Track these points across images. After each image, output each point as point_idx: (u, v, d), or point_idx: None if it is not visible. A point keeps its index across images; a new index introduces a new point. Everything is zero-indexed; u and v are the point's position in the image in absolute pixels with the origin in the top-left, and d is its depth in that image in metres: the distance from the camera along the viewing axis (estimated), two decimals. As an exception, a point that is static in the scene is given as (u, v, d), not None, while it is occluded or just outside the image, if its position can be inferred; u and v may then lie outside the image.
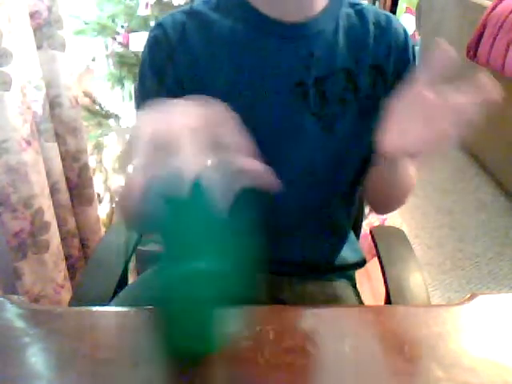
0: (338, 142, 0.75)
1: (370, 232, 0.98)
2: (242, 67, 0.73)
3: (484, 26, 2.37)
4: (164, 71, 0.74)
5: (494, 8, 2.34)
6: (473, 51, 2.46)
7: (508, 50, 2.15)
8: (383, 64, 0.75)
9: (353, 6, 0.76)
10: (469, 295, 0.63)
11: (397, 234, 0.97)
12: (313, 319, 0.48)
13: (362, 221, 1.07)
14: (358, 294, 0.90)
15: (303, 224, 0.81)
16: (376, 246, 0.93)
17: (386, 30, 0.75)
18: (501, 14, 2.26)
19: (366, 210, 1.14)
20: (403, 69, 0.76)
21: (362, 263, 0.93)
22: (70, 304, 0.80)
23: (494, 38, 2.27)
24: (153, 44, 0.75)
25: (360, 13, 0.76)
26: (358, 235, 1.03)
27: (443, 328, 0.58)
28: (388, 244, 0.93)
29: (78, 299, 0.80)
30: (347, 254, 0.91)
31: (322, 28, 0.73)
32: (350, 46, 0.74)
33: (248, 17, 0.73)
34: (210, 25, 0.74)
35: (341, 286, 0.89)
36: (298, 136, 0.74)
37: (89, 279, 0.86)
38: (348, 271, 0.93)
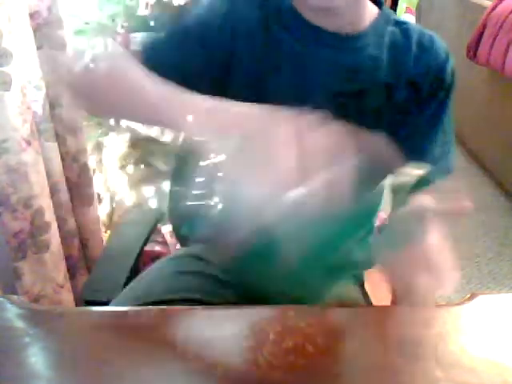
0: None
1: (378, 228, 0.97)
2: (285, 72, 0.74)
3: (484, 26, 2.37)
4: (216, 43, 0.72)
5: (493, 8, 2.34)
6: (473, 51, 2.46)
7: (508, 50, 2.15)
8: (420, 82, 0.76)
9: (399, 24, 0.78)
10: (469, 295, 0.63)
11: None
12: (313, 319, 0.48)
13: None
14: (365, 293, 0.90)
15: None
16: None
17: (427, 49, 0.77)
18: (501, 14, 2.26)
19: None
20: (438, 88, 0.77)
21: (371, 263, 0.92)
22: (82, 295, 0.81)
23: (494, 38, 2.27)
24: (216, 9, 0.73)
25: (405, 32, 0.77)
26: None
27: (443, 328, 0.58)
28: None
29: (89, 290, 0.82)
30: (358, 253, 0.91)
31: (367, 42, 0.75)
32: (391, 62, 0.76)
33: (294, 24, 0.74)
34: (268, 7, 0.74)
35: (348, 285, 0.87)
36: None
37: (100, 271, 0.88)
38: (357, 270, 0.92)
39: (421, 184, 0.51)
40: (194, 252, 0.89)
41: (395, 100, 0.76)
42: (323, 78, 0.74)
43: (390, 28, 0.77)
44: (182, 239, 1.03)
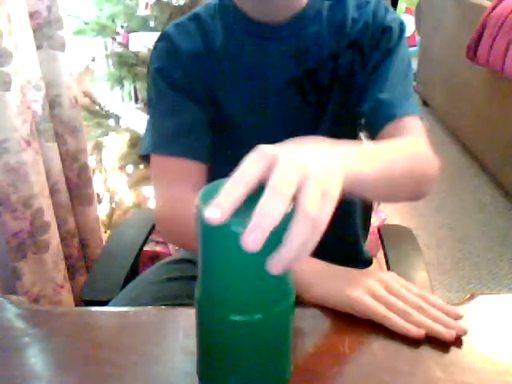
0: (333, 123, 0.79)
1: (378, 230, 0.97)
2: (238, 72, 0.78)
3: (484, 27, 2.37)
4: (180, 83, 0.78)
5: (493, 8, 2.34)
6: (472, 51, 2.46)
7: (508, 50, 2.15)
8: (359, 39, 0.77)
9: None
10: (469, 295, 0.63)
11: (405, 233, 0.97)
12: (313, 319, 0.48)
13: (370, 221, 1.06)
14: None
15: None
16: (383, 244, 0.92)
17: (363, 8, 0.78)
18: (500, 15, 2.26)
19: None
20: (379, 38, 0.77)
21: (369, 262, 0.93)
22: (81, 295, 0.81)
23: (494, 39, 2.27)
24: (163, 55, 0.79)
25: (342, 1, 0.79)
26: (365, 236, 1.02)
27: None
28: (395, 243, 0.92)
29: (89, 290, 0.83)
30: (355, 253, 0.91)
31: (307, 22, 0.77)
32: (331, 33, 0.78)
33: (237, 21, 0.78)
34: (209, 32, 0.79)
35: None
36: (299, 127, 0.78)
37: (100, 271, 0.88)
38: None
39: None
40: (189, 256, 0.89)
41: (341, 65, 0.77)
42: (274, 69, 0.77)
43: (327, 2, 0.79)
44: None
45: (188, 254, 0.91)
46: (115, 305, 0.79)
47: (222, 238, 0.41)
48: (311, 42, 0.77)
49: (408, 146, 0.69)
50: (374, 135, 0.76)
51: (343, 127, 0.81)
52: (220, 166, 0.75)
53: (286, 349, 0.48)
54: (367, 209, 0.94)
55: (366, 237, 0.96)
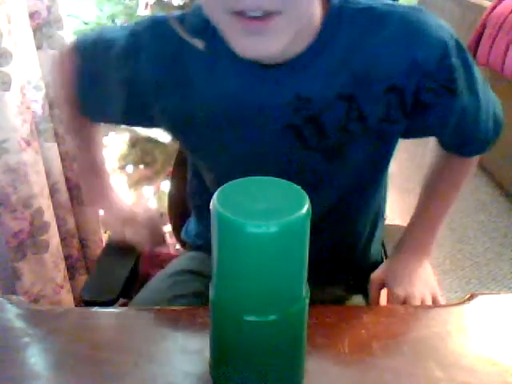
0: (347, 168, 0.70)
1: None
2: (226, 107, 0.66)
3: (483, 27, 2.37)
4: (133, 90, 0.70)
5: (493, 8, 2.34)
6: (472, 52, 2.46)
7: (507, 51, 2.15)
8: (400, 83, 0.62)
9: (365, 11, 0.61)
10: (469, 295, 0.63)
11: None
12: (313, 319, 0.48)
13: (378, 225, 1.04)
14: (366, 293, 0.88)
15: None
16: (383, 243, 0.92)
17: (409, 39, 0.61)
18: (500, 15, 2.26)
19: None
20: (433, 86, 0.63)
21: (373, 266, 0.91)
22: (81, 296, 0.81)
23: (494, 39, 2.27)
24: (124, 54, 0.70)
25: (373, 20, 0.61)
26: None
27: (443, 328, 0.58)
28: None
29: (89, 291, 0.82)
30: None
31: (310, 60, 0.62)
32: (350, 70, 0.62)
33: (224, 54, 0.61)
34: (186, 53, 0.66)
35: (352, 296, 0.84)
36: (301, 170, 0.69)
37: (100, 271, 0.88)
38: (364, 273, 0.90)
39: None
40: (190, 267, 0.86)
41: (367, 114, 0.64)
42: (269, 114, 0.64)
43: (347, 22, 0.61)
44: (182, 242, 1.03)
45: (188, 263, 0.89)
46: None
47: (237, 238, 0.41)
48: (315, 84, 0.62)
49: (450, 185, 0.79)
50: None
51: (370, 167, 0.72)
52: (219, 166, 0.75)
53: (300, 349, 0.48)
54: (376, 215, 0.88)
55: (372, 241, 0.90)
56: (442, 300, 0.70)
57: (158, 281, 0.86)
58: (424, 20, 0.62)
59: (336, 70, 0.62)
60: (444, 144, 0.77)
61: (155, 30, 0.69)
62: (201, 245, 0.90)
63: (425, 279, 0.73)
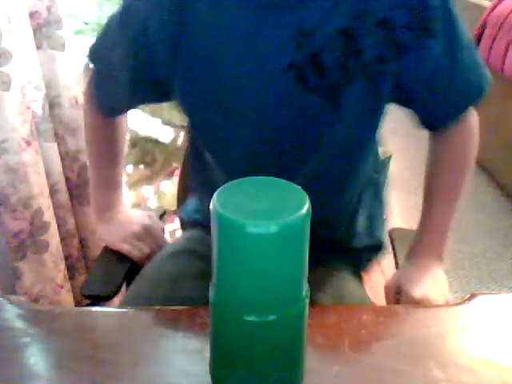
0: (348, 116, 0.69)
1: (389, 233, 0.96)
2: (229, 48, 0.67)
3: (483, 27, 2.37)
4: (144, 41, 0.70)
5: (493, 8, 2.34)
6: (472, 51, 2.46)
7: (507, 51, 2.15)
8: (391, 17, 0.63)
9: None
10: (469, 295, 0.63)
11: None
12: (313, 319, 0.48)
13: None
14: (361, 283, 0.89)
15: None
16: (393, 246, 0.91)
17: None
18: (500, 15, 2.26)
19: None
20: (423, 26, 0.64)
21: (378, 247, 0.90)
22: (82, 291, 0.82)
23: (494, 39, 2.27)
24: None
25: None
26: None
27: (443, 328, 0.58)
28: (406, 247, 0.89)
29: (89, 285, 0.83)
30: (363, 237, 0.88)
31: None
32: (348, 2, 0.63)
33: None
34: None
35: (347, 277, 0.85)
36: (301, 117, 0.69)
37: (100, 267, 0.89)
38: (360, 257, 0.91)
39: None
40: (192, 246, 0.88)
41: (363, 48, 0.64)
42: (271, 51, 0.65)
43: None
44: (181, 221, 1.03)
45: (188, 244, 0.90)
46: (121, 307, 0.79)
47: (237, 238, 0.41)
48: (317, 16, 0.63)
49: (455, 177, 0.81)
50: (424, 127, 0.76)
51: (363, 122, 0.72)
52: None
53: (300, 349, 0.48)
54: (363, 189, 0.86)
55: (356, 216, 0.87)
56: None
57: (158, 261, 0.87)
58: None
59: (334, 3, 0.63)
60: (422, 116, 0.75)
61: None
62: (200, 221, 0.91)
63: (437, 283, 0.74)
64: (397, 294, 0.72)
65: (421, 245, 0.80)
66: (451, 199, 0.80)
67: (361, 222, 0.87)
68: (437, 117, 0.75)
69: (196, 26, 0.68)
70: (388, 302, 0.74)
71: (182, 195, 1.07)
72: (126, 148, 0.96)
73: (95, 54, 0.81)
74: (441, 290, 0.72)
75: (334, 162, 0.75)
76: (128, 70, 0.75)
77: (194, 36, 0.68)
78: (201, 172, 0.87)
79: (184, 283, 0.80)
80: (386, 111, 0.73)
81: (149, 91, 0.79)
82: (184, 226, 1.01)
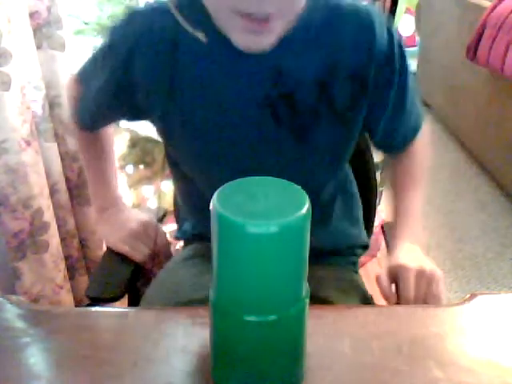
0: (312, 151, 0.76)
1: (382, 227, 0.97)
2: (206, 82, 0.71)
3: (483, 27, 2.37)
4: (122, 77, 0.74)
5: (493, 9, 2.34)
6: (472, 52, 2.46)
7: (507, 51, 2.15)
8: (363, 73, 0.71)
9: (331, 7, 0.70)
10: (468, 295, 0.63)
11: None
12: (313, 319, 0.48)
13: (373, 221, 1.08)
14: (361, 279, 0.92)
15: None
16: (387, 241, 0.92)
17: (366, 33, 0.69)
18: (500, 15, 2.26)
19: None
20: (386, 78, 0.73)
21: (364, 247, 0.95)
22: (86, 292, 0.82)
23: (494, 39, 2.27)
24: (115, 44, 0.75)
25: (337, 14, 0.70)
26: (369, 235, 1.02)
27: (442, 328, 0.58)
28: None
29: (93, 287, 0.83)
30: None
31: (290, 38, 0.67)
32: (323, 55, 0.70)
33: (208, 28, 0.67)
34: (176, 31, 0.68)
35: (348, 271, 0.91)
36: (271, 148, 0.75)
37: (104, 269, 0.88)
38: (352, 255, 0.94)
39: None
40: (201, 252, 0.89)
41: (335, 98, 0.71)
42: (247, 85, 0.70)
43: (319, 14, 0.69)
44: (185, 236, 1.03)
45: (196, 250, 0.91)
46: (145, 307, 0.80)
47: (237, 238, 0.41)
48: (293, 61, 0.69)
49: (419, 178, 0.86)
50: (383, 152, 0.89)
51: (332, 154, 0.80)
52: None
53: (300, 349, 0.48)
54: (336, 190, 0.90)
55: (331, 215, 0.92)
56: (442, 299, 0.70)
57: (172, 266, 0.89)
58: (373, 16, 0.71)
59: (312, 50, 0.70)
60: (380, 145, 0.86)
61: (131, 20, 0.74)
62: (199, 235, 0.92)
63: (426, 258, 0.75)
64: (392, 282, 0.73)
65: (400, 233, 0.81)
66: (416, 189, 0.86)
67: (337, 224, 0.91)
68: (393, 145, 0.86)
69: (186, 61, 0.71)
70: (382, 291, 0.74)
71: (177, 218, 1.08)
72: (114, 146, 0.99)
73: (81, 76, 0.85)
74: (431, 263, 0.74)
75: (304, 184, 0.78)
76: (108, 97, 0.79)
77: (183, 71, 0.71)
78: (185, 190, 0.91)
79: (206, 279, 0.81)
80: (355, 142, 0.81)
81: (130, 115, 0.84)
82: (185, 243, 1.01)
